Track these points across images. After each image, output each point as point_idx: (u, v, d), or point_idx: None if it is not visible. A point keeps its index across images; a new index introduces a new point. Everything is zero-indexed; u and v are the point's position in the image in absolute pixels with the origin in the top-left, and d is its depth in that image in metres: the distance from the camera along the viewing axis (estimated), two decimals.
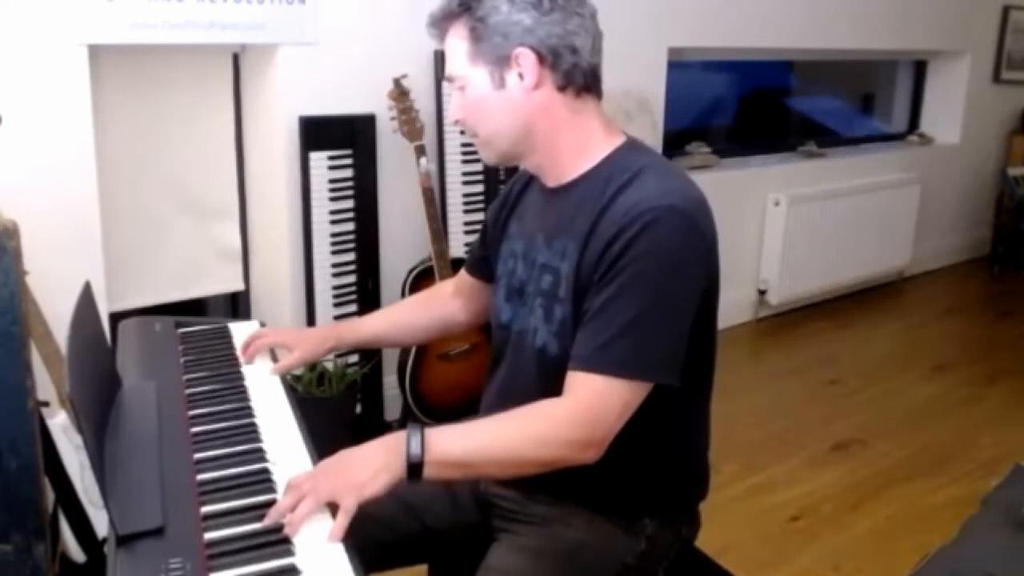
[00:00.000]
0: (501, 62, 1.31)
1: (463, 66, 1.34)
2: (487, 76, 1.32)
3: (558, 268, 1.35)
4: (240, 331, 1.75)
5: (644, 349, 1.25)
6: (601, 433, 1.25)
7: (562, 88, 1.33)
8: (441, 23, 1.36)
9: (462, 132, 3.18)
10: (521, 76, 1.31)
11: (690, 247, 1.27)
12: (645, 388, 1.26)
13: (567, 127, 1.35)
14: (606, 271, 1.26)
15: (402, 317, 1.75)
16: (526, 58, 1.30)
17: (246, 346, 1.63)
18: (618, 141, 1.38)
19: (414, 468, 1.21)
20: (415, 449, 1.20)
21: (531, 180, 1.49)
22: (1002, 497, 1.90)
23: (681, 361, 1.28)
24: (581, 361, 1.26)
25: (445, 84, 3.13)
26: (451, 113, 1.41)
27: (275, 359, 1.66)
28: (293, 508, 1.14)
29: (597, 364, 1.24)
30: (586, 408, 1.24)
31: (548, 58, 1.31)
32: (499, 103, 1.33)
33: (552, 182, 1.40)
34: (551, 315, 1.35)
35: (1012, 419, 3.51)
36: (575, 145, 1.36)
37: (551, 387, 1.30)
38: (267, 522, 1.13)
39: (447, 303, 1.72)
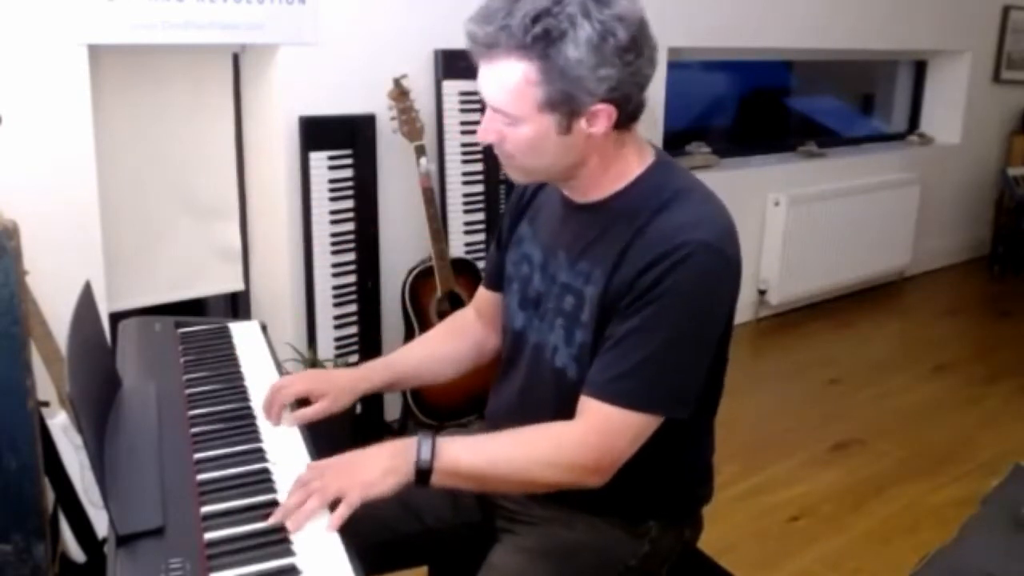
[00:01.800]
0: (574, 113, 1.21)
1: (527, 110, 1.21)
2: (554, 124, 1.22)
3: (582, 291, 1.32)
4: (240, 331, 1.75)
5: (659, 385, 1.24)
6: (608, 461, 1.25)
7: (617, 126, 1.26)
8: (500, 50, 1.19)
9: (462, 133, 3.19)
10: (590, 124, 1.23)
11: (718, 284, 1.27)
12: (657, 420, 1.26)
13: (611, 158, 1.30)
14: (633, 301, 1.24)
15: (436, 349, 1.60)
16: (605, 114, 1.22)
17: (269, 404, 1.42)
18: (649, 159, 1.34)
19: (422, 474, 1.21)
20: (425, 455, 1.21)
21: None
22: (1002, 497, 1.90)
23: (695, 396, 1.28)
24: (595, 388, 1.26)
25: (446, 84, 3.13)
26: (485, 135, 1.28)
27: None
28: (300, 506, 1.14)
29: (610, 394, 1.24)
30: (596, 435, 1.24)
31: (621, 107, 1.23)
32: (557, 144, 1.25)
33: (580, 199, 1.36)
34: (572, 338, 1.34)
35: (1012, 419, 3.51)
36: (613, 171, 1.32)
37: (568, 409, 1.29)
38: (272, 521, 1.13)
39: (476, 329, 1.61)
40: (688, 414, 1.28)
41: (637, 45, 1.20)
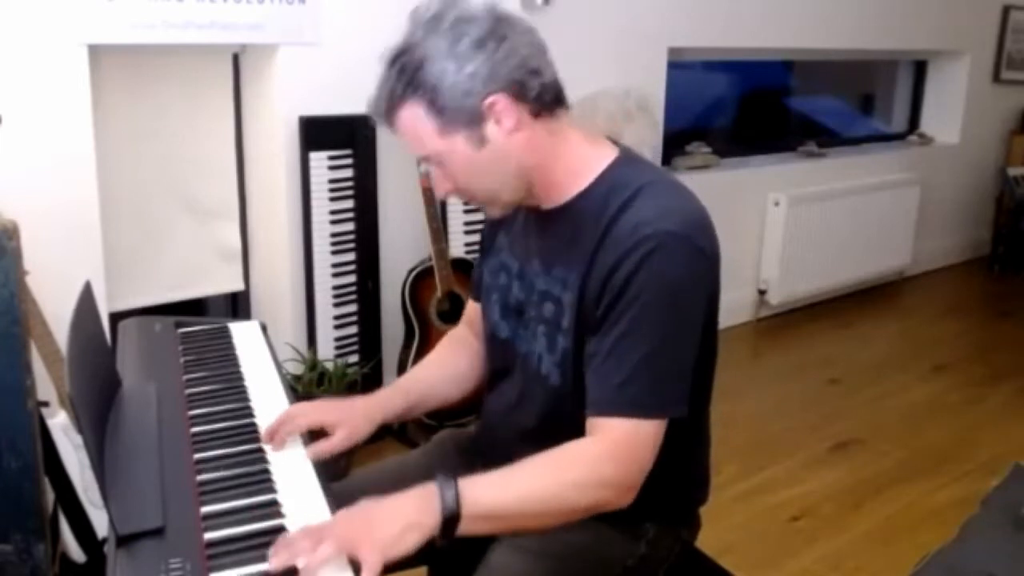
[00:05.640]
0: (474, 121, 1.22)
1: (434, 143, 1.25)
2: (464, 141, 1.24)
3: (560, 297, 1.31)
4: (240, 331, 1.75)
5: (661, 385, 1.23)
6: (637, 474, 1.23)
7: (536, 114, 1.26)
8: (389, 112, 1.26)
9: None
10: (498, 122, 1.23)
11: (692, 273, 1.24)
12: (664, 423, 1.25)
13: (553, 151, 1.29)
14: (610, 306, 1.23)
15: (441, 372, 1.58)
16: (501, 104, 1.22)
17: (273, 430, 1.35)
18: (611, 155, 1.33)
19: (449, 523, 1.14)
20: (450, 503, 1.14)
21: None
22: (1002, 497, 1.90)
23: (689, 389, 1.27)
24: (602, 406, 1.23)
25: None
26: (439, 190, 1.32)
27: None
28: (312, 550, 1.05)
29: (618, 407, 1.22)
30: (625, 449, 1.22)
31: (519, 93, 1.23)
32: (486, 160, 1.25)
33: (546, 204, 1.35)
34: (554, 345, 1.33)
35: (1012, 419, 3.51)
36: (566, 166, 1.31)
37: (554, 415, 1.31)
38: (278, 562, 1.04)
39: (473, 345, 1.59)
40: (687, 412, 1.27)
41: (495, 33, 1.21)
